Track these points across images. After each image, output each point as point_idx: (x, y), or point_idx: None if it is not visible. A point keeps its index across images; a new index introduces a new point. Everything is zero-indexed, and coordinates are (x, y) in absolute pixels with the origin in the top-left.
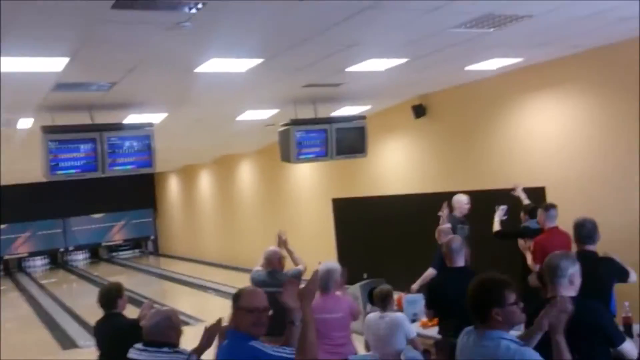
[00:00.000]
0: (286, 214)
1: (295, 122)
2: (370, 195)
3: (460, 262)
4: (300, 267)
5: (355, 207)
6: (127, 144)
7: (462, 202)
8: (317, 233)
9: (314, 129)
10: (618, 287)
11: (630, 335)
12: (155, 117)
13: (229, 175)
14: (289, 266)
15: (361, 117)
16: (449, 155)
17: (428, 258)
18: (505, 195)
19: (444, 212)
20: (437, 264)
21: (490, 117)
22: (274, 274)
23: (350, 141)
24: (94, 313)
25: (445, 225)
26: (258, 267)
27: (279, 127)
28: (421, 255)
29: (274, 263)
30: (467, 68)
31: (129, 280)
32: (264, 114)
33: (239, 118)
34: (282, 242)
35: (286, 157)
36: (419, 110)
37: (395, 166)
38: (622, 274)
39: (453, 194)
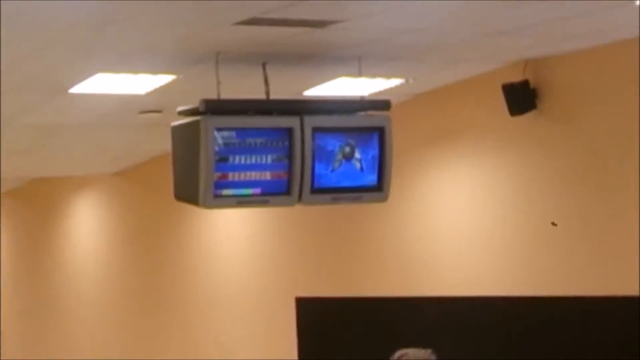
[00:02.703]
0: (180, 318)
1: (216, 108)
2: (387, 296)
3: None
4: None
5: (348, 315)
6: None
7: None
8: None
9: (262, 129)
10: None
11: None
12: None
13: (49, 224)
14: None
15: (380, 106)
16: (593, 208)
17: None
18: None
19: None
20: None
21: None
22: None
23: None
24: None
25: None
26: None
27: (171, 119)
28: None
29: None
30: None
31: None
32: (138, 83)
33: (75, 88)
34: None
35: (189, 193)
36: (521, 96)
37: (456, 227)
38: None
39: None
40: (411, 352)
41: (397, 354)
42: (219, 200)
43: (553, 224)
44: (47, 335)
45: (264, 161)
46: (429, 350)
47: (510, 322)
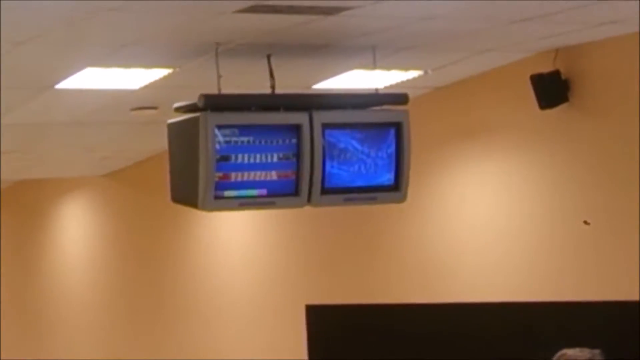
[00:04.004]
0: (179, 328)
1: (216, 104)
2: (404, 303)
3: None
4: None
5: (362, 324)
6: None
7: None
8: None
9: (267, 126)
10: None
11: None
12: None
13: (34, 230)
14: None
15: (397, 99)
16: (631, 209)
17: None
18: None
19: None
20: None
21: None
22: None
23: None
24: None
25: None
26: None
27: (167, 116)
28: None
29: None
30: None
31: None
32: (130, 77)
33: (62, 84)
34: None
35: (187, 195)
36: (551, 88)
37: (479, 229)
38: None
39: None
40: (570, 352)
41: (557, 354)
42: (220, 202)
43: (585, 222)
44: (33, 343)
45: (269, 160)
46: (596, 351)
47: (537, 329)
